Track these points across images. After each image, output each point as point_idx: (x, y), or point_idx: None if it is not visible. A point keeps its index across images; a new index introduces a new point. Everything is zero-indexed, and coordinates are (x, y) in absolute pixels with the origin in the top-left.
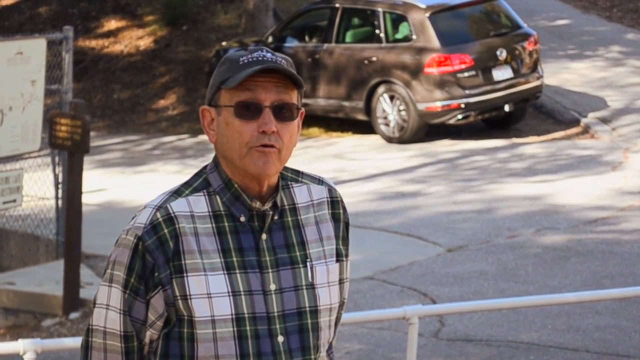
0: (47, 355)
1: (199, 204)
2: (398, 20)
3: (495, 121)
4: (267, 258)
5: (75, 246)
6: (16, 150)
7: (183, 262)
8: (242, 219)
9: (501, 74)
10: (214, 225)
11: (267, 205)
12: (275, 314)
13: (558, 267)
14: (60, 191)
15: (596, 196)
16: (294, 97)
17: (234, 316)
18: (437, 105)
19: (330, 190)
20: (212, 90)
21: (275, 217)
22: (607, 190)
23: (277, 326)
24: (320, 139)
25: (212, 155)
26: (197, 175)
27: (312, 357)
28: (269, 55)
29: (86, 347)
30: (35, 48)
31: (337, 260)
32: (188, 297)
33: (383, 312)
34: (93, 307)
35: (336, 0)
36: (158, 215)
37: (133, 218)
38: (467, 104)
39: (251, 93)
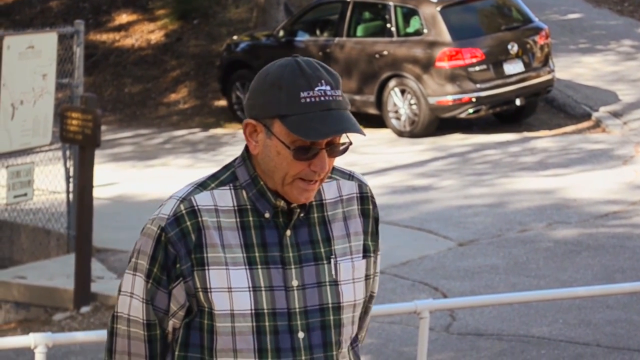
0: (58, 349)
1: (224, 197)
2: (409, 14)
3: (507, 115)
4: (291, 254)
5: (86, 240)
6: (27, 144)
7: (205, 255)
8: (267, 215)
9: (512, 68)
10: (238, 219)
11: (294, 204)
12: (297, 310)
13: (569, 261)
14: (71, 185)
15: (607, 190)
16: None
17: (253, 311)
18: (449, 99)
19: (361, 185)
20: (264, 112)
21: (302, 214)
22: (619, 184)
23: (298, 322)
24: None
25: (223, 149)
26: (225, 168)
27: (334, 353)
28: (328, 90)
29: (111, 333)
30: (46, 42)
31: (364, 257)
32: (208, 290)
33: (394, 307)
34: (118, 294)
35: None
36: (182, 207)
37: (159, 207)
38: (478, 98)
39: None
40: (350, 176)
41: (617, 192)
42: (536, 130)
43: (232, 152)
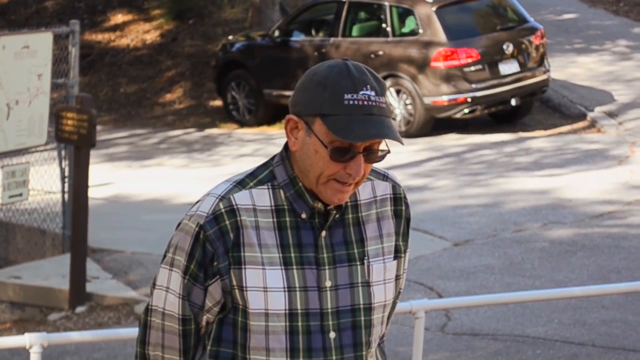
0: (53, 349)
1: (262, 197)
2: (405, 14)
3: (502, 115)
4: (325, 255)
5: (81, 240)
6: (22, 144)
7: (242, 254)
8: (304, 215)
9: (508, 68)
10: (275, 219)
11: (331, 206)
12: (329, 310)
13: (564, 261)
14: (66, 185)
15: (603, 190)
16: (382, 141)
17: (287, 311)
18: (444, 99)
19: (394, 186)
20: (307, 109)
21: (337, 215)
22: (614, 184)
23: (330, 322)
24: None
25: (218, 149)
26: (264, 166)
27: (363, 353)
28: (372, 95)
29: (145, 325)
30: (41, 42)
31: (395, 257)
32: (244, 288)
33: None
34: (153, 287)
35: None
36: (221, 205)
37: (196, 204)
38: (473, 98)
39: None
40: (385, 177)
41: (613, 192)
42: (531, 131)
43: (228, 152)
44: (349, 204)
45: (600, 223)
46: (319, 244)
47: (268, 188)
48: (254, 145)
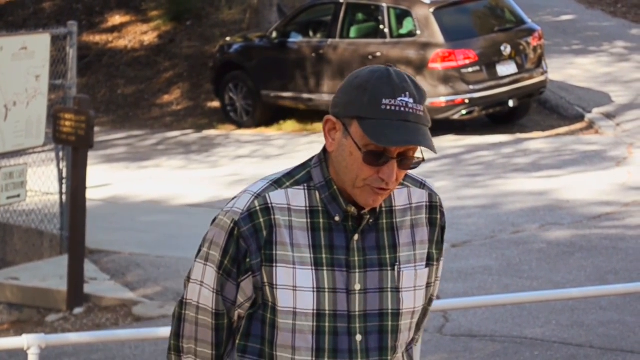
0: (51, 351)
1: (298, 197)
2: (402, 15)
3: (500, 116)
4: (356, 258)
5: (79, 241)
6: (20, 145)
7: (274, 252)
8: (337, 218)
9: (505, 69)
10: (308, 220)
11: (365, 210)
12: (357, 313)
13: (562, 262)
14: (64, 186)
15: (600, 192)
16: (418, 149)
17: (315, 311)
18: (442, 100)
19: (431, 195)
20: (345, 111)
21: (371, 220)
22: (612, 185)
23: (357, 325)
24: None
25: (216, 150)
26: (302, 166)
27: (388, 357)
28: (410, 102)
29: (179, 318)
30: (39, 43)
31: (427, 265)
32: (274, 286)
33: None
34: (187, 281)
35: None
36: (256, 203)
37: (232, 200)
38: (471, 100)
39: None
40: (421, 184)
41: (610, 194)
42: (529, 132)
43: (225, 153)
44: (383, 209)
45: (598, 224)
46: (350, 247)
47: (304, 189)
48: (251, 147)
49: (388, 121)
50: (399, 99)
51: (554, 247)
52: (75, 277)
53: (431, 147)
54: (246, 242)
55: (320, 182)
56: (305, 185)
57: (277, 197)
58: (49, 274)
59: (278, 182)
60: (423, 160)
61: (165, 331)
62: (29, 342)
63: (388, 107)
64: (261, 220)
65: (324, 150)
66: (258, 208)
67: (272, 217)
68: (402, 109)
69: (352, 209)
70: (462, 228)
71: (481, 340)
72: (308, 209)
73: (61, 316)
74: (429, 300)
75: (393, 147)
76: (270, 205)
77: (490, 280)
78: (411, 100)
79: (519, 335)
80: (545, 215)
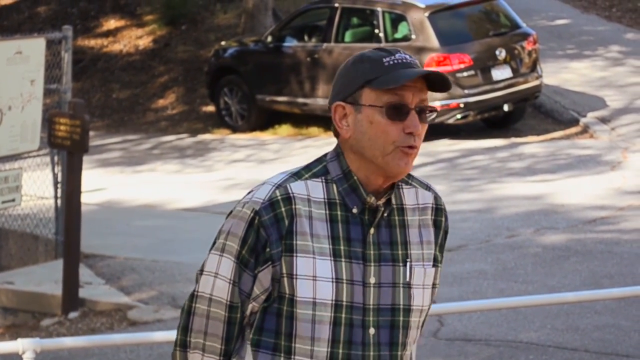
0: (46, 355)
1: (316, 189)
2: (397, 19)
3: (495, 121)
4: (372, 252)
5: (74, 246)
6: (15, 149)
7: (294, 242)
8: (355, 210)
9: (500, 73)
10: (327, 211)
11: (381, 201)
12: (371, 306)
13: (557, 266)
14: (59, 191)
15: (595, 196)
16: (428, 99)
17: (333, 302)
18: (436, 104)
19: (436, 197)
20: (351, 87)
21: (385, 214)
22: (606, 189)
23: (371, 318)
24: (320, 138)
25: (211, 154)
26: (318, 161)
27: (399, 353)
28: (408, 57)
29: (189, 312)
30: (34, 47)
31: (434, 265)
32: (294, 276)
33: None
34: (199, 274)
35: (335, 0)
36: (277, 193)
37: (250, 192)
38: (466, 104)
39: (399, 96)
40: (427, 187)
41: (605, 198)
42: (524, 136)
43: (220, 157)
44: (394, 206)
45: (593, 228)
46: (367, 240)
47: (322, 181)
48: (246, 151)
49: (395, 71)
50: (397, 55)
51: (549, 251)
52: (70, 281)
53: (444, 76)
54: (266, 232)
55: (337, 175)
56: (323, 178)
57: (297, 188)
58: (44, 279)
59: (297, 174)
60: (437, 110)
61: (161, 335)
62: (24, 346)
63: (391, 62)
64: (282, 209)
65: (338, 145)
66: (279, 197)
67: (294, 206)
68: (404, 60)
69: (372, 199)
70: (457, 232)
71: (476, 345)
72: (326, 200)
73: (56, 320)
74: (429, 304)
75: (410, 93)
76: (291, 195)
77: (486, 284)
78: (408, 56)
79: (514, 340)
80: (540, 220)
